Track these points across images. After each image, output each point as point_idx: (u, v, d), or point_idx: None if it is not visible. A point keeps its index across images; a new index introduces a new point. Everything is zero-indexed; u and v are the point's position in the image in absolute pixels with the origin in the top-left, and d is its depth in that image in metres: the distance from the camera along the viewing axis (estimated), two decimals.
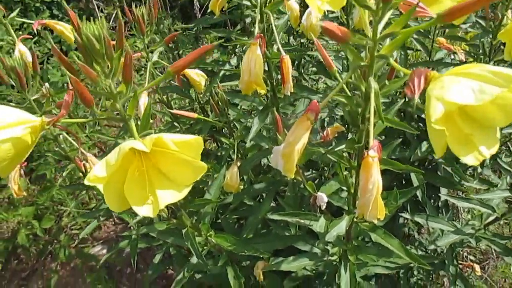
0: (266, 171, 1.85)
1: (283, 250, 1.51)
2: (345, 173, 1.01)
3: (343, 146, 0.82)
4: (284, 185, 1.68)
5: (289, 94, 1.06)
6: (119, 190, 0.68)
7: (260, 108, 1.34)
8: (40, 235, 3.15)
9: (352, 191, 1.04)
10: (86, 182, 0.62)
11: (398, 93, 1.84)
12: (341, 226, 1.04)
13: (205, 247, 1.24)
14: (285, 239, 1.37)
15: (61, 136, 1.40)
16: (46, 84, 1.56)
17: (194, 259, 1.30)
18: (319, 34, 1.36)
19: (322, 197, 1.10)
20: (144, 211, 0.68)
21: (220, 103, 1.47)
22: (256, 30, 1.01)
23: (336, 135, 1.43)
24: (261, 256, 1.38)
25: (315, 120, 0.70)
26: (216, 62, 2.37)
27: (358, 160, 0.92)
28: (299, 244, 1.41)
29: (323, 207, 1.11)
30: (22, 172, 1.26)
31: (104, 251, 3.26)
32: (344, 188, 1.04)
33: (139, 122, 0.87)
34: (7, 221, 3.37)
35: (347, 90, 0.87)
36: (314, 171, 1.88)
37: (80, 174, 1.54)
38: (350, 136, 1.70)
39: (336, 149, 0.82)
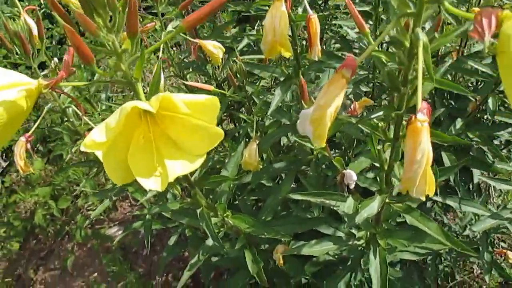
0: (285, 151, 1.75)
1: (303, 233, 1.42)
2: (379, 147, 0.90)
3: (380, 113, 0.71)
4: (305, 165, 1.57)
5: (316, 59, 0.95)
6: (122, 159, 0.59)
7: (282, 79, 1.23)
8: (57, 215, 3.14)
9: (386, 167, 0.93)
10: (82, 148, 0.53)
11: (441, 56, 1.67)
12: (372, 207, 0.93)
13: (221, 229, 1.15)
14: (307, 221, 1.28)
15: (70, 109, 1.31)
16: (55, 59, 1.47)
17: (209, 241, 1.21)
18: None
19: (351, 175, 0.99)
20: (151, 184, 0.58)
21: (238, 75, 1.37)
22: None
23: (363, 109, 1.31)
24: (281, 240, 1.29)
25: (351, 77, 0.59)
26: (234, 38, 2.25)
27: (396, 131, 0.81)
28: (322, 227, 1.31)
29: (352, 186, 1.01)
30: (28, 146, 1.18)
31: (120, 232, 3.23)
32: (376, 164, 0.93)
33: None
34: (24, 201, 3.38)
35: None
36: (337, 151, 1.76)
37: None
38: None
39: (372, 117, 0.70)
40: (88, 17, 0.62)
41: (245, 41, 1.91)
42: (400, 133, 0.81)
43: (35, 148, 3.52)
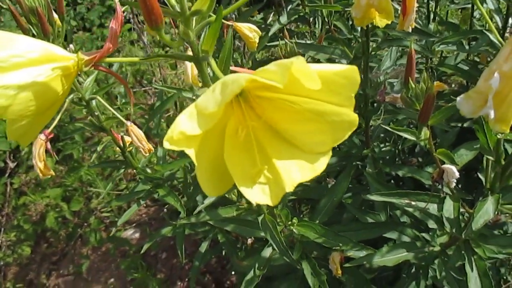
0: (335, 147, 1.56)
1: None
2: (499, 136, 0.71)
3: None
4: (359, 160, 1.38)
5: (410, 30, 0.75)
6: (216, 160, 0.40)
7: (344, 61, 1.04)
8: (69, 217, 2.99)
9: (503, 162, 0.74)
10: (166, 145, 0.34)
11: None
12: (487, 211, 0.74)
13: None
14: (377, 227, 1.09)
15: (93, 101, 1.12)
16: (71, 45, 1.30)
17: (266, 252, 1.03)
18: None
19: (453, 172, 0.80)
20: (259, 195, 0.39)
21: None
22: None
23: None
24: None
25: None
26: (264, 21, 2.06)
27: None
28: (393, 232, 1.12)
29: (452, 185, 0.82)
30: (48, 146, 1.00)
31: (137, 235, 3.08)
32: (491, 158, 0.74)
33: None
34: (35, 203, 3.23)
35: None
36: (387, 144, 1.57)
37: (117, 148, 1.28)
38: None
39: None
40: None
41: (277, 26, 1.72)
42: None
43: None
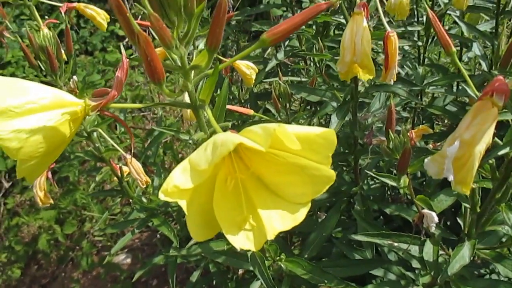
0: None
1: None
2: (474, 185, 0.76)
3: (506, 149, 0.57)
4: (349, 197, 1.42)
5: (392, 83, 0.81)
6: (205, 208, 0.44)
7: (336, 104, 1.10)
8: (61, 240, 2.98)
9: (478, 209, 0.79)
10: (161, 196, 0.39)
11: None
12: (463, 256, 0.78)
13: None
14: (363, 264, 1.12)
15: (95, 133, 1.17)
16: (74, 77, 1.35)
17: (255, 285, 1.06)
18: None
19: (432, 217, 0.84)
20: (243, 241, 0.44)
21: (281, 98, 1.23)
22: None
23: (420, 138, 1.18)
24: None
25: (503, 105, 0.45)
26: (263, 53, 2.13)
27: (508, 169, 0.67)
28: (378, 269, 1.15)
29: (432, 229, 0.86)
30: (49, 175, 1.04)
31: (128, 260, 3.07)
32: (467, 205, 0.78)
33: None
34: (28, 225, 3.22)
35: (469, 81, 0.62)
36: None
37: (115, 178, 1.32)
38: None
39: (499, 154, 0.56)
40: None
41: (274, 62, 1.79)
42: None
43: None
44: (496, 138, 0.62)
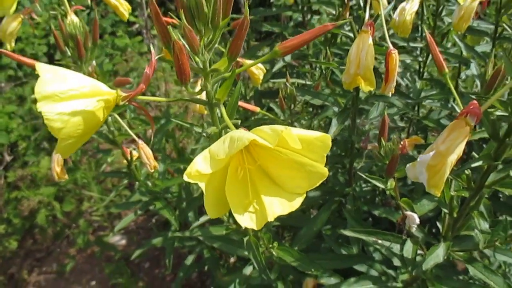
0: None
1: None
2: (452, 193, 0.85)
3: (479, 162, 0.66)
4: (341, 196, 1.52)
5: (390, 95, 0.90)
6: (218, 191, 0.53)
7: (337, 109, 1.18)
8: (59, 217, 3.05)
9: (455, 215, 0.88)
10: (185, 178, 0.48)
11: None
12: (438, 255, 0.88)
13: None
14: (349, 258, 1.21)
15: (109, 118, 1.26)
16: (93, 61, 1.42)
17: (247, 270, 1.15)
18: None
19: (414, 218, 0.94)
20: (247, 221, 0.53)
21: (286, 99, 1.32)
22: (367, 16, 0.86)
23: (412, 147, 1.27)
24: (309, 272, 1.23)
25: (474, 126, 0.54)
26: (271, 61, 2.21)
27: (482, 180, 0.76)
28: (362, 265, 1.25)
29: (413, 230, 0.96)
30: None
31: (124, 241, 3.15)
32: (446, 210, 0.88)
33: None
34: (28, 199, 3.29)
35: (459, 101, 0.71)
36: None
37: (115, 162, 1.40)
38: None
39: (472, 166, 0.65)
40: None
41: (281, 64, 1.87)
42: (486, 183, 0.76)
43: (41, 146, 3.45)
44: (473, 152, 0.71)
